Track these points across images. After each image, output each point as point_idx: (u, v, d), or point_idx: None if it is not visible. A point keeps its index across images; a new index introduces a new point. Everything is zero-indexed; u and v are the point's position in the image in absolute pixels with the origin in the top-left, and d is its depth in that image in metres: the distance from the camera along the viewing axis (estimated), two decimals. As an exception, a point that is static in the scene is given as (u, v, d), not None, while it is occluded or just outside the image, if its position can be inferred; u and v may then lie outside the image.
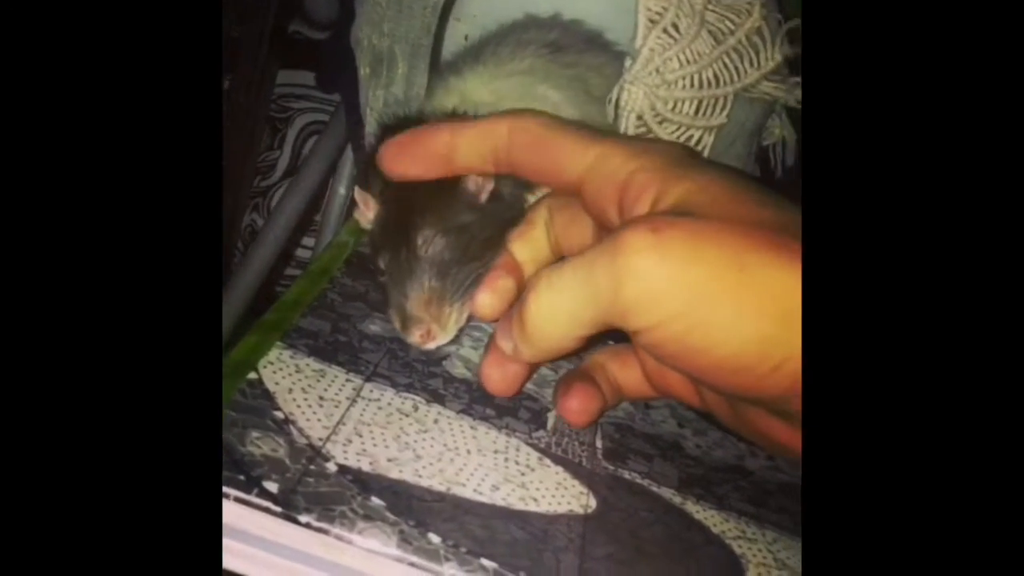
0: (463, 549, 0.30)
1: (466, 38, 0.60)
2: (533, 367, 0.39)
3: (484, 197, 0.41)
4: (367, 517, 0.30)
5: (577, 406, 0.38)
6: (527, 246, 0.40)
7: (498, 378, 0.37)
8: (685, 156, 0.33)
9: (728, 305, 0.27)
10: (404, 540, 0.29)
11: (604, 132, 0.35)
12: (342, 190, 0.56)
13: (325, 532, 0.29)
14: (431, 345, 0.40)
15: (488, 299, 0.39)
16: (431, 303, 0.39)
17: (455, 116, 0.43)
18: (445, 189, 0.40)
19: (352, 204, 0.46)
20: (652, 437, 0.42)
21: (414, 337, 0.39)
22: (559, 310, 0.31)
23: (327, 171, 0.57)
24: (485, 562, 0.30)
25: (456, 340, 0.44)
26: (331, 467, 0.32)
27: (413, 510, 0.31)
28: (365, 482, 0.32)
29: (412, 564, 0.29)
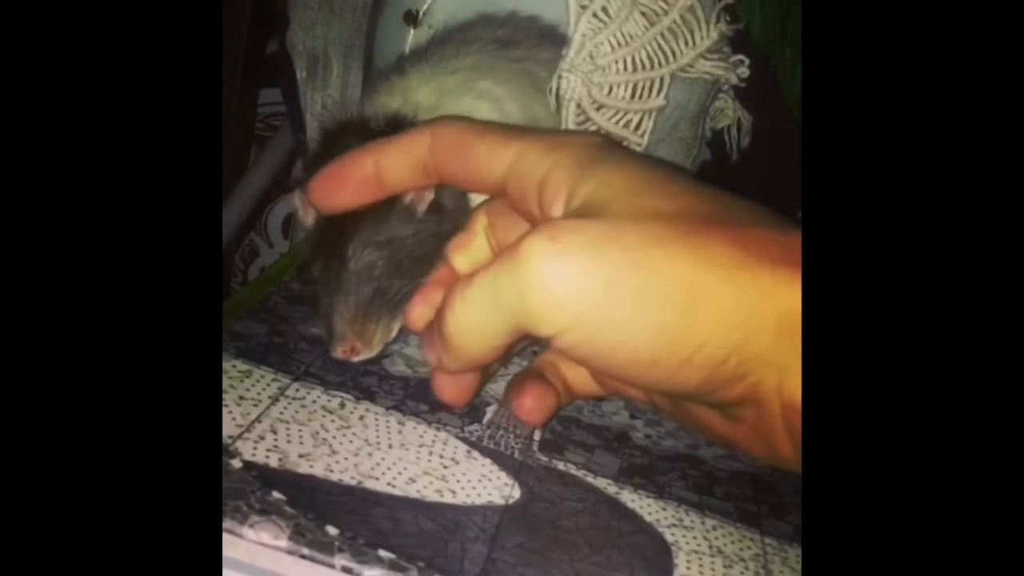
0: (361, 540, 0.29)
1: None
2: (485, 374, 0.38)
3: (422, 209, 0.40)
4: (262, 511, 0.29)
5: (531, 404, 0.37)
6: (467, 255, 0.39)
7: (451, 386, 0.36)
8: (600, 148, 0.32)
9: (629, 304, 0.27)
10: (298, 533, 0.29)
11: (523, 129, 0.34)
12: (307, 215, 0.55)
13: (215, 526, 0.29)
14: (356, 359, 0.39)
15: (421, 313, 0.38)
16: (356, 319, 0.38)
17: (397, 118, 0.42)
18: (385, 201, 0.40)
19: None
20: (598, 428, 0.41)
21: (338, 353, 0.38)
22: (473, 323, 0.30)
23: (272, 179, 0.58)
24: (382, 553, 0.29)
25: (401, 339, 0.44)
26: (235, 464, 0.32)
27: (316, 504, 0.31)
28: (269, 477, 0.31)
29: (303, 556, 0.29)
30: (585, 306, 0.27)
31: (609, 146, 0.33)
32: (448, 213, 0.41)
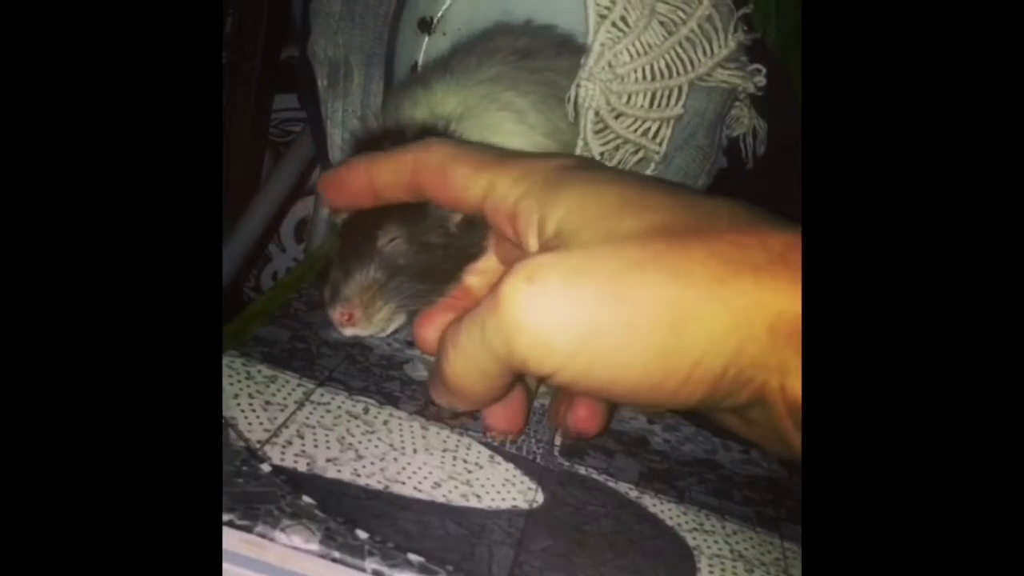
0: (390, 544, 0.30)
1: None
2: (531, 394, 0.38)
3: (456, 220, 0.40)
4: (294, 515, 0.30)
5: (586, 413, 0.36)
6: (480, 274, 0.40)
7: (501, 415, 0.37)
8: (569, 170, 0.32)
9: (617, 335, 0.27)
10: (329, 536, 0.29)
11: (500, 154, 0.34)
12: (325, 210, 0.56)
13: (247, 530, 0.29)
14: (349, 331, 0.39)
15: (429, 334, 0.38)
16: (367, 290, 0.38)
17: (426, 127, 0.43)
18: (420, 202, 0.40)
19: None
20: (618, 433, 0.42)
21: (335, 314, 0.38)
22: (469, 369, 0.31)
23: (294, 184, 0.58)
24: (411, 556, 0.30)
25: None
26: (265, 468, 0.32)
27: (344, 508, 0.31)
28: (298, 482, 0.32)
29: (334, 560, 0.29)
30: (573, 344, 0.27)
31: (579, 166, 0.33)
32: (480, 231, 0.40)
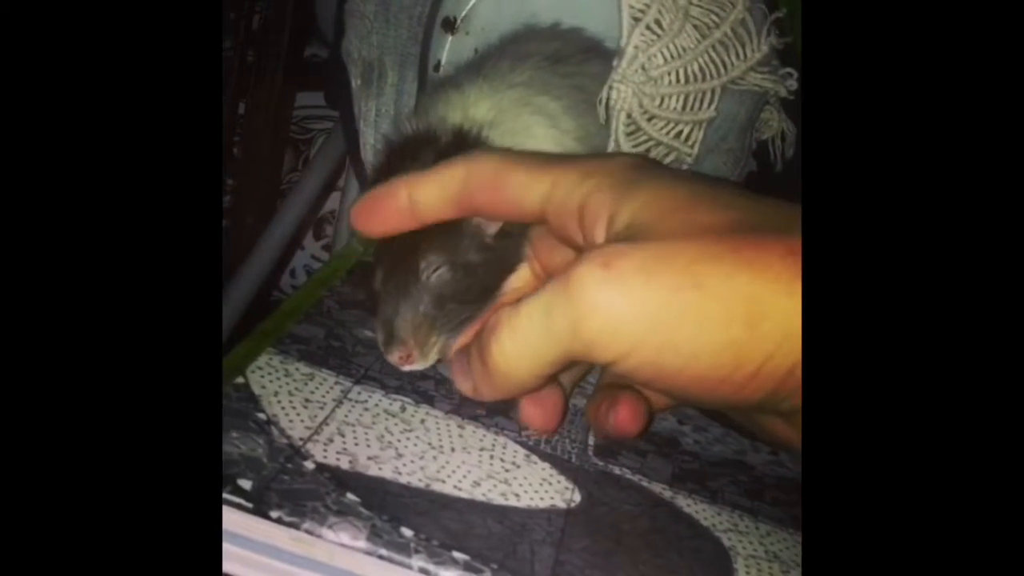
0: (435, 542, 0.30)
1: (476, 51, 0.61)
2: (567, 395, 0.39)
3: (492, 231, 0.40)
4: (340, 512, 0.30)
5: (628, 414, 0.36)
6: (513, 292, 0.40)
7: (538, 413, 0.37)
8: (637, 168, 0.32)
9: (690, 324, 0.27)
10: (375, 534, 0.30)
11: (559, 157, 0.35)
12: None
13: (295, 527, 0.29)
14: (407, 368, 0.39)
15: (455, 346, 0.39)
16: (420, 328, 0.39)
17: (462, 132, 0.43)
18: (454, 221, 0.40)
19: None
20: (649, 434, 0.42)
21: (393, 357, 0.39)
22: (522, 353, 0.30)
23: (325, 183, 0.59)
24: (456, 554, 0.30)
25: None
26: (309, 465, 0.32)
27: (388, 505, 0.31)
28: (342, 479, 0.32)
29: (381, 557, 0.29)
30: (644, 330, 0.28)
31: (646, 165, 0.33)
32: (514, 238, 0.41)
